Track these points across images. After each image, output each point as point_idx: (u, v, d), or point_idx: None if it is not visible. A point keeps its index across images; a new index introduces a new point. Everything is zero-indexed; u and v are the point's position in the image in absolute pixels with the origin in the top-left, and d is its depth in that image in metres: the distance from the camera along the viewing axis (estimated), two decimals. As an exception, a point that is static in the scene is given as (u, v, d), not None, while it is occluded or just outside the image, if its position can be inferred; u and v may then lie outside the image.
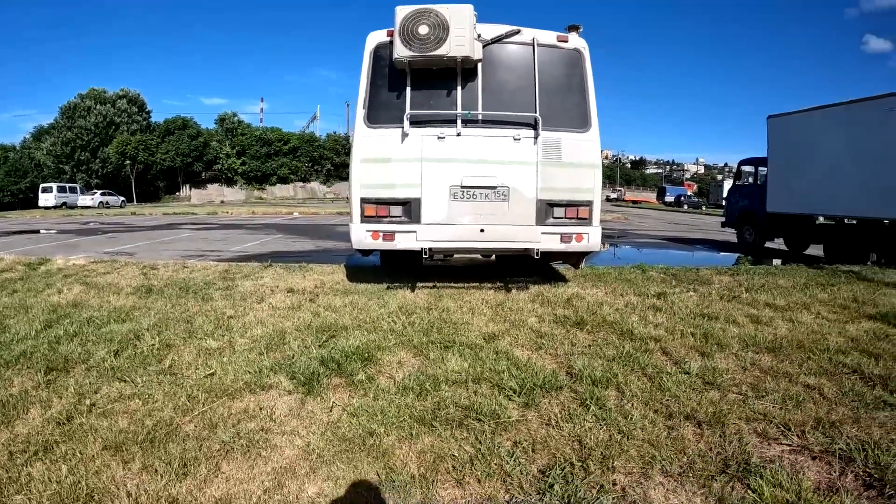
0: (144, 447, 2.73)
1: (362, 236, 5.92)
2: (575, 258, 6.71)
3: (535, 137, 5.94)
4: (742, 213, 14.87)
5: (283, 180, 62.55)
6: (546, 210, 5.98)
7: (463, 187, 5.86)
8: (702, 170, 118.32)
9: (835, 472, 2.58)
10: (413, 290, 6.04)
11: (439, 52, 5.55)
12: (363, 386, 3.44)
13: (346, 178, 59.72)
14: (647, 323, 5.00)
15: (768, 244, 14.26)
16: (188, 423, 3.01)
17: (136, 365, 3.84)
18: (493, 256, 8.24)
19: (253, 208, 34.71)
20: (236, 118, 63.25)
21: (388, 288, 6.14)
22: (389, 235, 5.86)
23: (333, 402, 3.24)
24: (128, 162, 52.64)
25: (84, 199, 41.53)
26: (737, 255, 13.18)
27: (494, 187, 5.89)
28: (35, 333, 4.57)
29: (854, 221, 11.41)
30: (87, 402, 3.25)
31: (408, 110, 5.85)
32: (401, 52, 5.58)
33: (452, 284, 6.37)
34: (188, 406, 3.19)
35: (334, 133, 67.70)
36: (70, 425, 2.97)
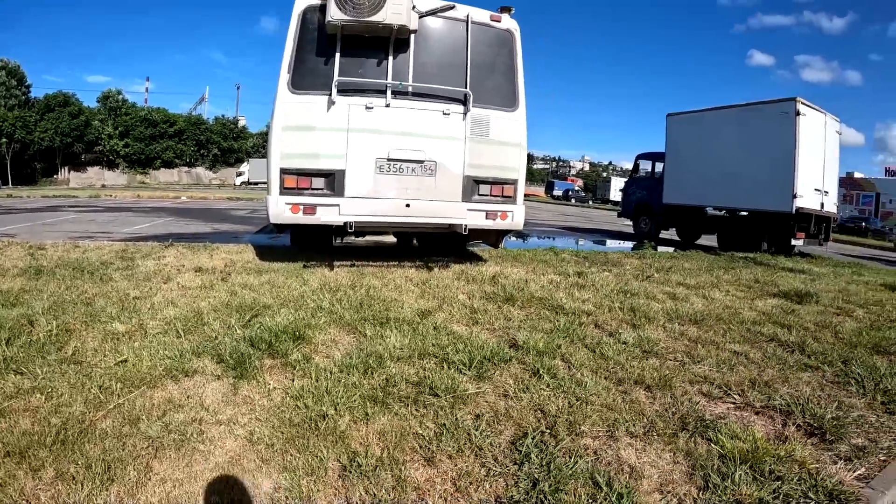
0: (56, 451, 2.31)
1: (281, 209, 5.51)
2: (494, 237, 6.71)
3: (465, 113, 5.85)
4: (639, 205, 15.78)
5: (168, 164, 58.21)
6: (472, 187, 5.91)
7: (389, 160, 5.64)
8: (587, 167, 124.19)
9: (778, 424, 2.73)
10: (332, 269, 5.73)
11: (375, 18, 5.30)
12: (300, 366, 3.14)
13: (232, 164, 56.03)
14: (574, 298, 5.10)
15: (662, 234, 15.23)
16: (104, 418, 2.59)
17: (32, 354, 3.30)
18: (415, 240, 8.09)
19: (138, 192, 31.84)
20: (120, 96, 57.88)
21: (304, 266, 5.77)
22: (310, 209, 5.51)
23: (271, 385, 2.92)
24: (3, 140, 46.67)
25: None
26: (633, 243, 13.92)
27: (422, 161, 5.73)
28: None
29: (746, 213, 12.47)
30: None
31: (336, 77, 5.52)
32: (335, 14, 5.26)
33: (372, 263, 6.12)
34: (101, 399, 2.76)
35: (223, 116, 63.77)
36: (-44, 431, 2.45)
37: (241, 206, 22.56)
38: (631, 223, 16.44)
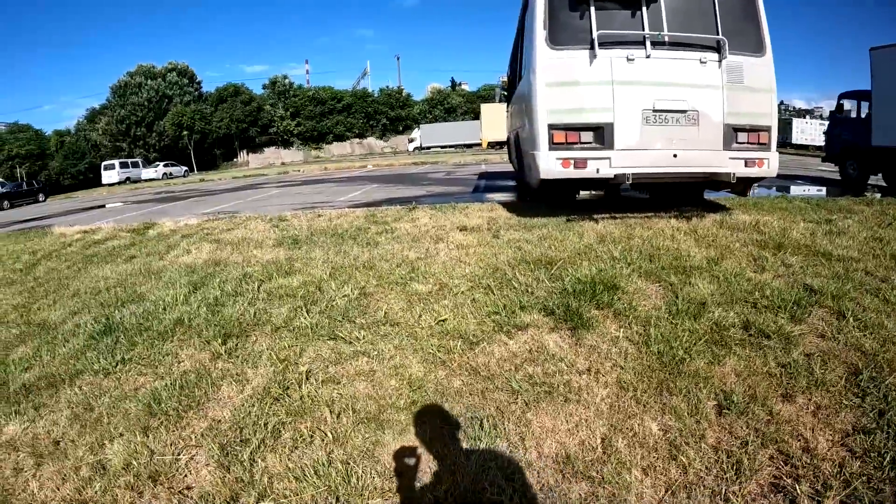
0: (414, 412, 2.54)
1: (552, 164, 5.75)
2: (742, 185, 6.52)
3: (720, 61, 5.77)
4: (845, 148, 14.21)
5: (340, 138, 63.00)
6: (731, 135, 5.87)
7: (655, 111, 5.73)
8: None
9: None
10: (597, 222, 5.94)
11: None
12: (629, 314, 3.38)
13: (401, 131, 58.19)
14: (835, 245, 4.90)
15: (871, 180, 13.64)
16: (452, 376, 2.83)
17: (337, 319, 3.55)
18: (646, 193, 8.12)
19: (324, 165, 34.92)
20: (287, 80, 63.68)
21: (567, 221, 6.03)
22: (582, 162, 5.71)
23: (613, 333, 3.18)
24: (185, 132, 54.45)
25: (147, 172, 42.90)
26: (841, 189, 12.61)
27: (685, 111, 5.76)
28: (184, 298, 4.22)
29: None
30: (298, 370, 2.96)
31: (595, 30, 5.66)
32: None
33: (629, 215, 6.25)
34: (440, 357, 2.99)
35: (387, 87, 67.39)
36: (290, 400, 2.69)
37: (432, 169, 23.45)
38: (836, 168, 14.82)
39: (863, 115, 13.71)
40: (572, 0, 5.81)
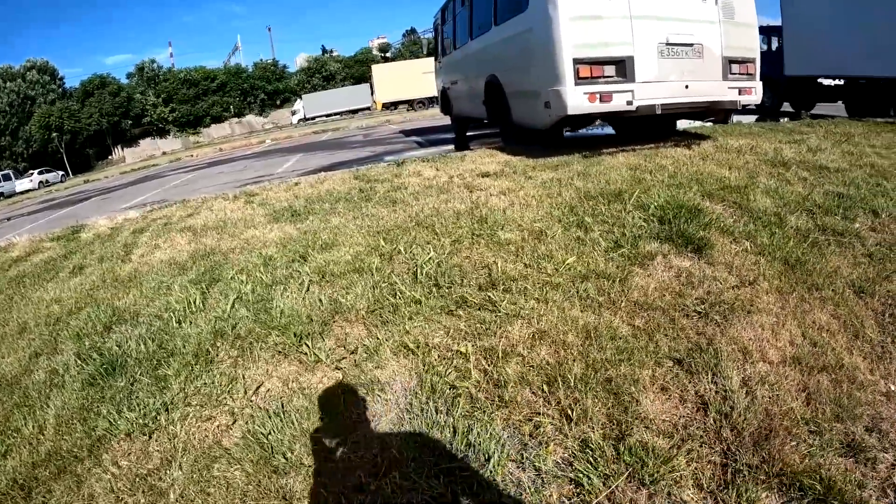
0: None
1: (579, 100, 5.69)
2: (724, 113, 6.94)
3: None
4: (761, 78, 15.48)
5: (217, 119, 59.28)
6: (727, 66, 6.23)
7: (668, 44, 5.88)
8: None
9: None
10: (613, 156, 5.98)
11: None
12: (729, 230, 3.63)
13: (280, 105, 55.67)
14: (825, 160, 5.44)
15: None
16: (628, 315, 2.77)
17: (452, 288, 3.06)
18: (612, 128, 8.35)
19: (217, 147, 32.44)
20: (154, 65, 58.82)
21: (585, 157, 6.01)
22: (607, 96, 5.72)
23: (730, 248, 3.42)
24: (54, 134, 48.90)
25: (22, 184, 38.92)
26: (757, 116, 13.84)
27: (692, 45, 6.01)
28: (201, 301, 3.34)
29: (881, 79, 12.15)
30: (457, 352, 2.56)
31: None
32: None
33: (636, 148, 6.36)
34: (602, 299, 2.88)
35: (261, 60, 63.98)
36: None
37: (342, 136, 22.77)
38: None
39: (773, 49, 15.05)
40: None
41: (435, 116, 29.92)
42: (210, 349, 2.78)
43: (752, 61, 6.42)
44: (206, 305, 3.30)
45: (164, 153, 49.34)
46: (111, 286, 4.07)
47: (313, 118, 54.02)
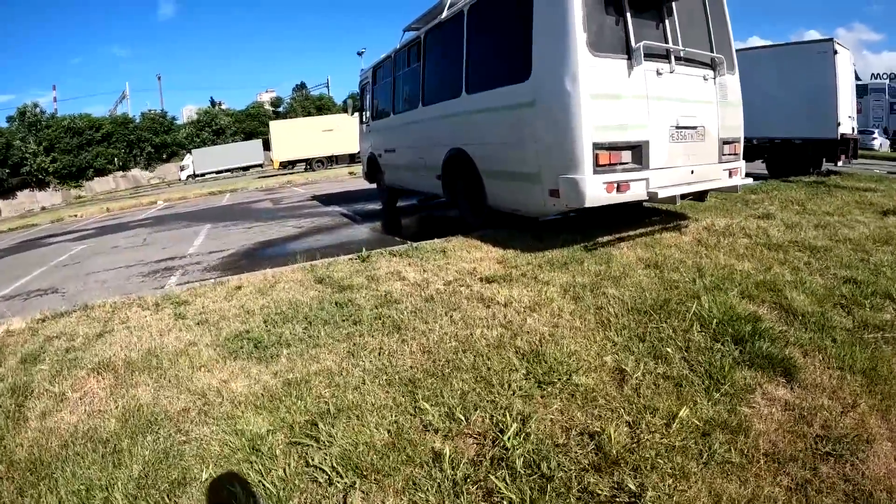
0: None
1: (598, 190, 5.10)
2: (704, 193, 6.86)
3: (715, 77, 6.08)
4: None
5: (101, 172, 54.62)
6: (721, 147, 6.26)
7: (678, 128, 5.68)
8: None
9: None
10: (613, 246, 5.66)
11: None
12: (802, 345, 3.46)
13: (167, 159, 52.91)
14: (828, 237, 5.68)
15: None
16: (770, 477, 2.74)
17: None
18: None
19: (106, 205, 28.45)
20: (38, 109, 53.65)
21: (587, 249, 5.56)
22: (625, 185, 5.23)
23: (813, 366, 3.25)
24: None
25: None
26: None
27: (696, 127, 5.89)
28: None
29: (797, 141, 14.07)
30: None
31: (633, 39, 5.34)
32: None
33: (626, 234, 6.15)
34: (738, 460, 2.48)
35: (149, 110, 60.26)
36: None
37: (244, 198, 21.38)
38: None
39: None
40: (607, 4, 5.35)
41: (338, 177, 29.05)
42: None
43: (739, 141, 6.52)
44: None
45: (42, 208, 44.47)
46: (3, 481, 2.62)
47: (203, 175, 50.95)
